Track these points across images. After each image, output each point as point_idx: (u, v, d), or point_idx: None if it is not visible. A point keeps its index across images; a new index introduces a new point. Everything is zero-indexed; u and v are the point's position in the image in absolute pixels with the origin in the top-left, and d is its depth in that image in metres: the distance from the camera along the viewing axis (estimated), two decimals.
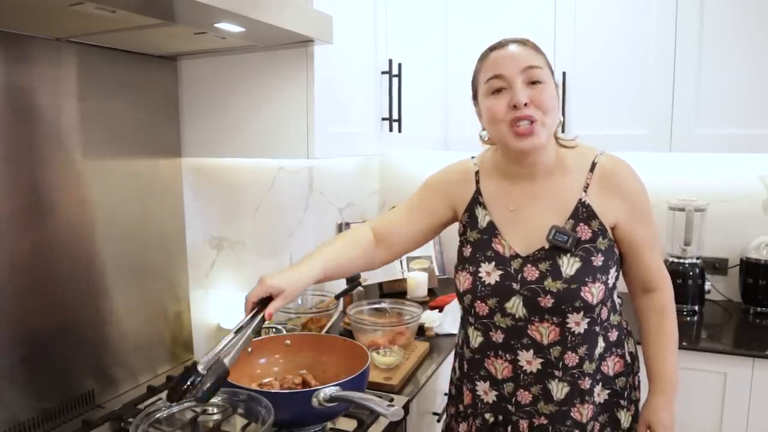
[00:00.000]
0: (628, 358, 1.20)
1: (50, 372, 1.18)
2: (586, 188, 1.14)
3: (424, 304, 1.90)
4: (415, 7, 1.91)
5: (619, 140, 1.90)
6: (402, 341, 1.55)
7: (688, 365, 1.69)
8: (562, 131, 1.22)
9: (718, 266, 2.16)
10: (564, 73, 1.95)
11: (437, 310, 1.89)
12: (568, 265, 1.10)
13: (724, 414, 1.70)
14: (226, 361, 0.95)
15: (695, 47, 1.83)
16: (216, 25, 1.04)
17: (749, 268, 2.00)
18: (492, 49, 1.13)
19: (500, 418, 1.19)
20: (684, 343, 1.69)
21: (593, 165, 1.14)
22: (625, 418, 1.18)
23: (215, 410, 1.08)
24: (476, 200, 1.23)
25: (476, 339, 1.20)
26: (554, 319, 1.11)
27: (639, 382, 1.25)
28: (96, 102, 1.25)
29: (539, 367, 1.14)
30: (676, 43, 1.85)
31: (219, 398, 1.07)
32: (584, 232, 1.12)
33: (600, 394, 1.15)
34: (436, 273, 2.36)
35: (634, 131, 1.93)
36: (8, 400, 1.10)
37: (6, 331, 1.09)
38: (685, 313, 1.98)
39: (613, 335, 1.16)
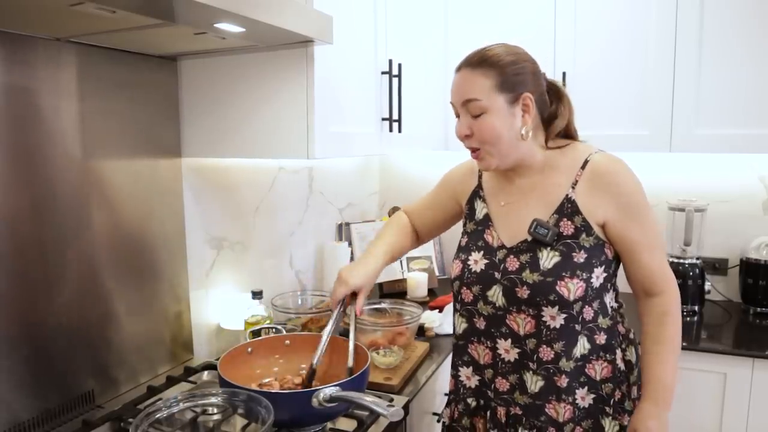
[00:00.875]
0: (620, 364, 1.16)
1: (50, 372, 1.18)
2: (574, 185, 1.14)
3: (424, 305, 1.91)
4: (415, 7, 1.91)
5: (619, 140, 1.90)
6: (402, 341, 1.55)
7: (688, 365, 1.70)
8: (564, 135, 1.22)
9: (718, 266, 2.16)
10: (564, 73, 1.96)
11: (437, 310, 1.89)
12: (547, 259, 1.12)
13: (724, 414, 1.70)
14: (350, 366, 1.21)
15: (695, 47, 1.83)
16: (216, 25, 1.04)
17: (749, 268, 2.00)
18: (455, 68, 1.17)
19: (481, 402, 1.23)
20: (684, 344, 1.69)
21: (585, 163, 1.15)
22: (609, 426, 1.15)
23: (215, 410, 1.08)
24: (477, 193, 1.29)
25: (461, 325, 1.25)
26: (530, 310, 1.13)
27: (638, 392, 1.21)
28: (96, 102, 1.25)
29: (516, 357, 1.16)
30: (676, 43, 1.85)
31: (219, 398, 1.07)
32: (567, 227, 1.13)
33: (585, 398, 1.14)
34: (436, 273, 2.36)
35: (634, 131, 1.93)
36: (8, 400, 1.10)
37: (6, 331, 1.09)
38: (685, 313, 1.98)
39: (601, 339, 1.14)
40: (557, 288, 1.09)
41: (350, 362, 1.21)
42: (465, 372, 1.25)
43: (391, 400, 1.24)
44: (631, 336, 1.22)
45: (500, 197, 1.23)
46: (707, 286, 2.01)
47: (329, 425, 1.17)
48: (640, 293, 1.20)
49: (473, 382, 1.24)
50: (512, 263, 1.15)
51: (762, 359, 1.64)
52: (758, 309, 2.00)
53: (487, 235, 1.22)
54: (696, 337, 1.81)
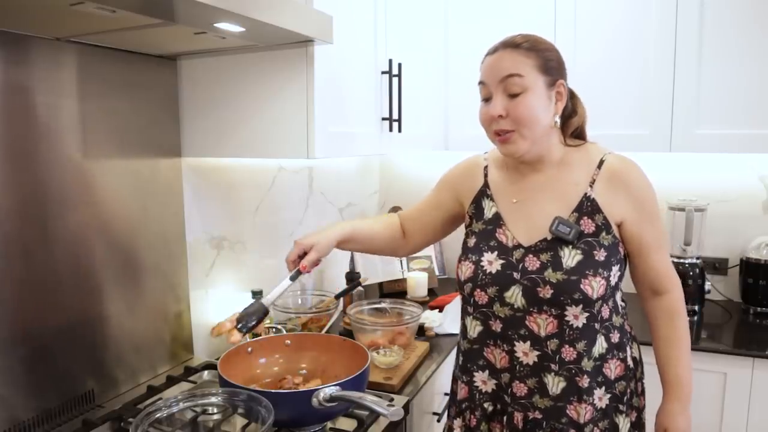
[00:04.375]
0: (630, 362, 1.18)
1: (50, 372, 1.18)
2: (592, 183, 1.14)
3: (424, 304, 1.91)
4: (415, 7, 1.91)
5: (619, 140, 1.88)
6: (402, 341, 1.55)
7: None
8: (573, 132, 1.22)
9: (718, 266, 2.16)
10: None
11: (437, 310, 1.89)
12: (569, 257, 1.11)
13: (724, 414, 1.70)
14: (264, 301, 1.21)
15: (695, 47, 1.83)
16: (216, 25, 1.04)
17: (749, 268, 2.00)
18: (487, 52, 1.16)
19: (498, 407, 1.21)
20: None
21: (601, 162, 1.15)
22: (623, 423, 1.16)
23: (215, 410, 1.08)
24: (483, 192, 1.26)
25: (475, 329, 1.21)
26: (553, 310, 1.11)
27: (643, 388, 1.23)
28: (96, 102, 1.25)
29: (535, 359, 1.14)
30: (676, 43, 1.85)
31: (219, 398, 1.07)
32: (587, 225, 1.13)
33: (602, 398, 1.14)
34: (436, 273, 2.36)
35: (634, 131, 1.93)
36: (8, 400, 1.10)
37: (6, 331, 1.09)
38: None
39: (615, 337, 1.15)
40: (582, 286, 1.09)
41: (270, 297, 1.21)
42: (480, 376, 1.22)
43: (391, 399, 1.24)
44: (633, 333, 1.24)
45: (510, 194, 1.22)
46: (707, 285, 2.01)
47: (329, 425, 1.17)
48: (646, 292, 1.21)
49: (489, 386, 1.21)
50: (532, 263, 1.13)
51: (762, 359, 1.64)
52: (758, 309, 2.00)
53: (499, 234, 1.19)
54: (696, 336, 1.81)
